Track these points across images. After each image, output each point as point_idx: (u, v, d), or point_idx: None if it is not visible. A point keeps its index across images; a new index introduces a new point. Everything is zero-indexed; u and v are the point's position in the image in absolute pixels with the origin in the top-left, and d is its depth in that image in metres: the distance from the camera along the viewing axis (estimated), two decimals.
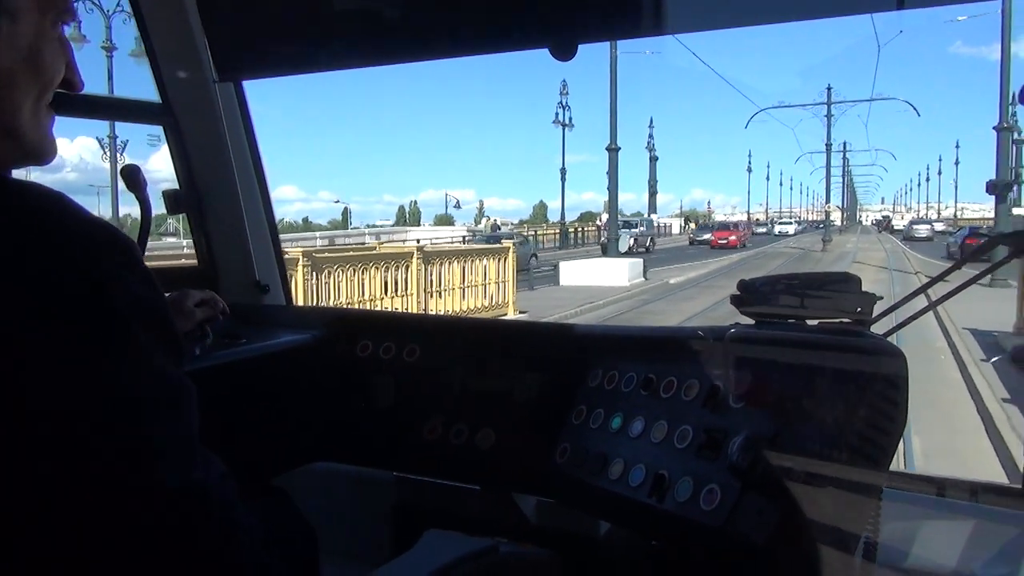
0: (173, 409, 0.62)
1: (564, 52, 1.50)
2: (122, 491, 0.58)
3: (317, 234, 35.50)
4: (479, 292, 12.88)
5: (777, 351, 1.12)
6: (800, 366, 1.08)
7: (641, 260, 21.22)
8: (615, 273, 18.83)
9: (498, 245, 14.91)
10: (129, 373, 0.60)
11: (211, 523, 0.62)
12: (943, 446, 5.74)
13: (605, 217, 45.02)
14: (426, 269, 11.56)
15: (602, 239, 38.68)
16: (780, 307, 1.16)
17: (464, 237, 32.84)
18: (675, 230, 62.74)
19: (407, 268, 11.13)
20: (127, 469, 0.58)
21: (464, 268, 12.58)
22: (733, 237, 42.63)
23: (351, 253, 11.87)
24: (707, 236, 44.93)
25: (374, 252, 11.95)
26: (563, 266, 20.24)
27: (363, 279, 10.30)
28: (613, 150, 23.14)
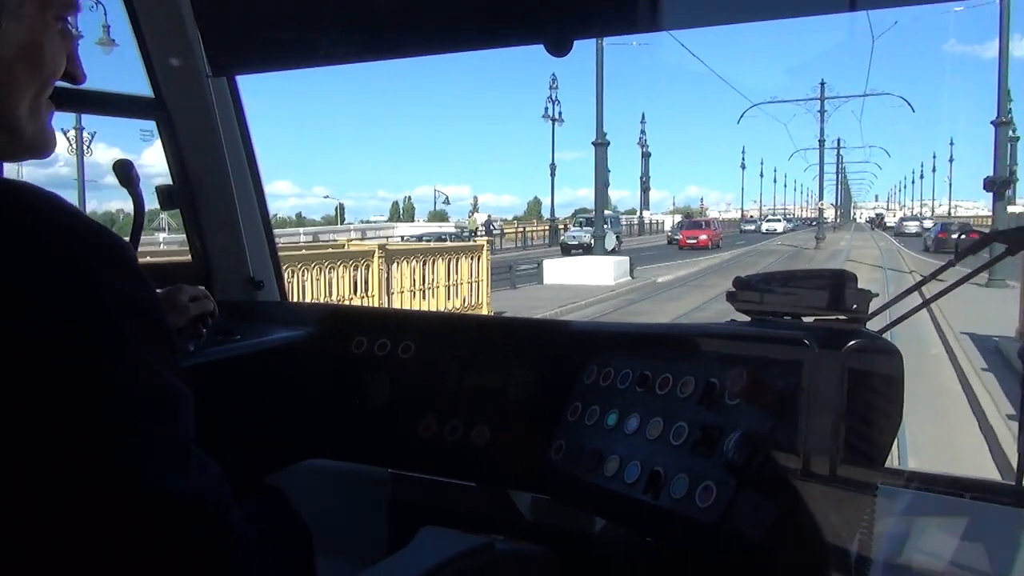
0: (165, 411, 0.61)
1: (559, 48, 1.50)
2: (114, 493, 0.57)
3: (301, 230, 34.28)
4: (451, 292, 11.88)
5: (773, 348, 1.12)
6: (796, 362, 1.08)
7: (627, 258, 20.61)
8: (600, 272, 18.33)
9: (458, 244, 14.13)
10: (120, 374, 0.59)
11: (205, 527, 0.61)
12: (942, 469, 5.34)
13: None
14: (389, 269, 10.67)
15: (561, 238, 35.38)
16: (776, 304, 1.16)
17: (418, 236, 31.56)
18: (668, 227, 61.71)
19: (367, 268, 10.25)
20: (119, 471, 0.57)
21: (435, 267, 11.65)
22: (704, 236, 37.45)
23: (304, 252, 11.16)
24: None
25: (329, 252, 11.00)
26: (547, 264, 19.73)
27: (317, 280, 9.34)
28: (599, 144, 22.21)
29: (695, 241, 36.86)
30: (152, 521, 0.58)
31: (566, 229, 41.16)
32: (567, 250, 31.00)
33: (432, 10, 1.59)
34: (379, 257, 10.46)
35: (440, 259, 11.89)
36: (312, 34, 1.74)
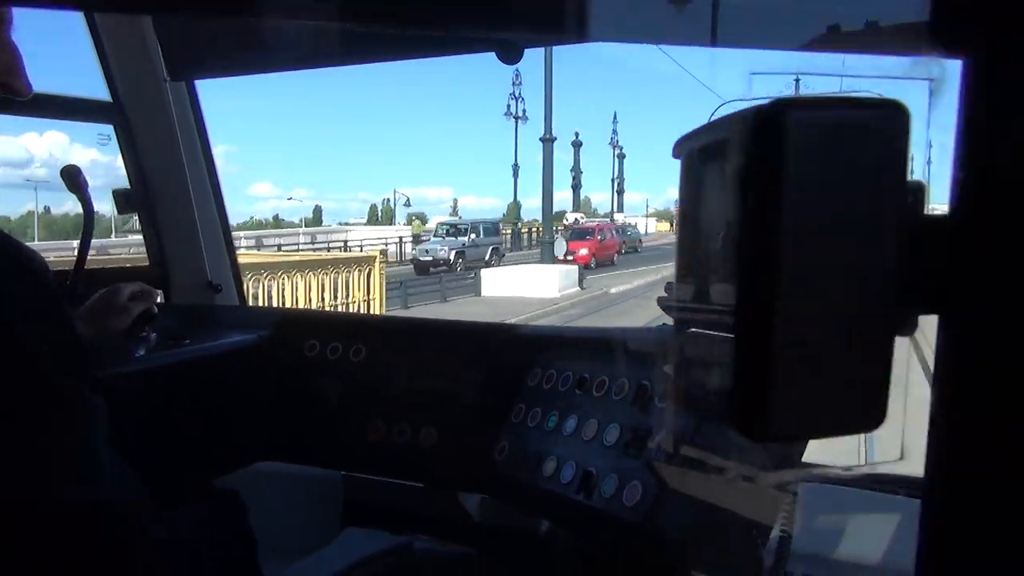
0: (72, 420, 0.61)
1: (510, 56, 1.53)
2: (18, 503, 0.57)
3: (242, 234, 30.01)
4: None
5: (696, 349, 1.16)
6: (719, 363, 1.11)
7: (576, 267, 18.45)
8: (544, 282, 16.40)
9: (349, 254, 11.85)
10: (26, 385, 0.59)
11: (114, 533, 0.62)
12: None
13: (571, 217, 42.25)
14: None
15: (412, 252, 26.86)
16: (703, 306, 1.20)
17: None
18: (643, 230, 57.17)
19: None
20: (22, 481, 0.58)
21: (305, 284, 9.49)
22: (584, 251, 24.95)
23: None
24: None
25: None
26: (484, 274, 17.88)
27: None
28: (547, 140, 19.87)
29: (572, 258, 23.97)
30: (56, 528, 0.58)
31: (529, 232, 33.33)
32: (422, 268, 23.51)
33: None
34: None
35: (311, 275, 9.61)
36: (269, 40, 1.76)
